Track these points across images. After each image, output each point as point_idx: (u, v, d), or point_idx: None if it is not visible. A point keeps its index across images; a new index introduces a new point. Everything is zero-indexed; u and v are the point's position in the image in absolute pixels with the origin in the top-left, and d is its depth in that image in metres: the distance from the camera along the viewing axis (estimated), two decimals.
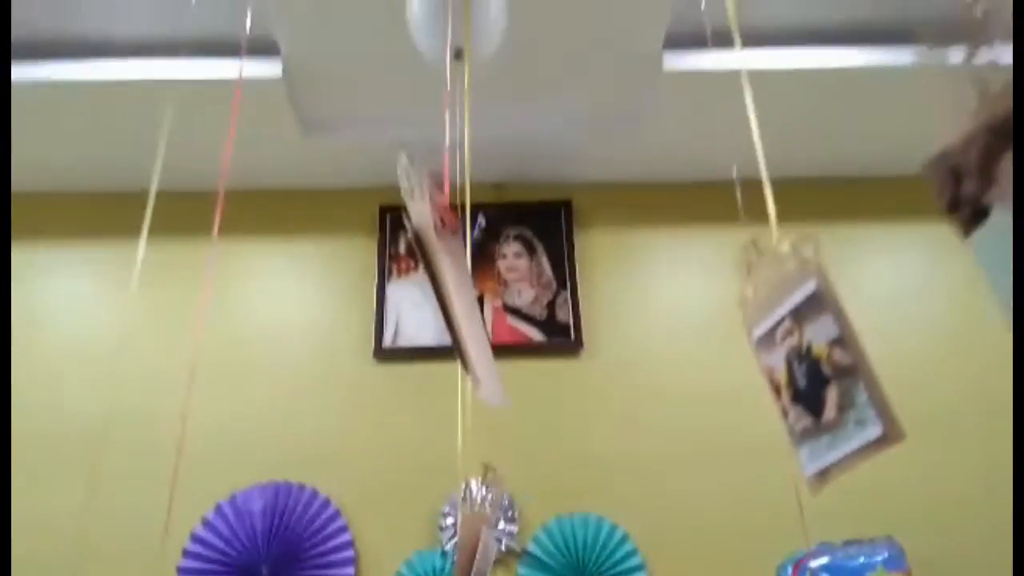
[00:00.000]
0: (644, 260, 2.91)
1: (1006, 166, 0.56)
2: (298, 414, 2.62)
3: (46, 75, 2.38)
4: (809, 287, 0.85)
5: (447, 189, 1.36)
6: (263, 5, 2.20)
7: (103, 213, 2.94)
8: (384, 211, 2.92)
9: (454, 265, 1.03)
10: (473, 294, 1.09)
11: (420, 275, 2.80)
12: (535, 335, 2.70)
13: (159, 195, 2.38)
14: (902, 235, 2.97)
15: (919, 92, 2.49)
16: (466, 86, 1.92)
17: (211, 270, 2.90)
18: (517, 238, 2.87)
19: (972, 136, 0.59)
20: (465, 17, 1.86)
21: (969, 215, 0.61)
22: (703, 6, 2.23)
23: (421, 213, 1.04)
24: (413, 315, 2.72)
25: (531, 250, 2.85)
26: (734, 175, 2.82)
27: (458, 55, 1.95)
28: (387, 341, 2.68)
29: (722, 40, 2.39)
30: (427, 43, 1.96)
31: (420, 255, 1.06)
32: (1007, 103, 0.57)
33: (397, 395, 2.65)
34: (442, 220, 1.04)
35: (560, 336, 2.69)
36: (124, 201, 2.93)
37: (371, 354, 2.68)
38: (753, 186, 2.12)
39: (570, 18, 2.25)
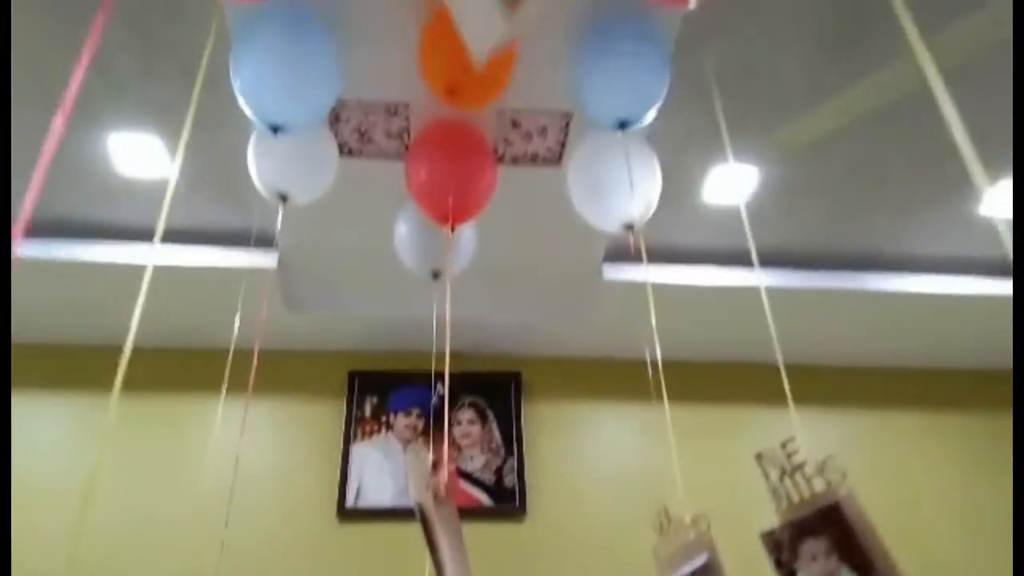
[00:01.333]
0: (585, 430, 3.27)
1: (805, 549, 0.94)
2: (261, 572, 2.79)
3: (62, 254, 2.67)
4: (701, 559, 1.18)
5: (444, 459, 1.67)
6: (267, 206, 2.57)
7: (75, 366, 3.14)
8: (352, 375, 3.21)
9: (447, 534, 1.31)
10: (466, 558, 1.37)
11: (383, 438, 3.08)
12: (484, 499, 2.99)
13: (132, 351, 2.64)
14: (817, 417, 3.42)
15: (794, 307, 3.00)
16: (447, 302, 2.29)
17: (218, 425, 3.10)
18: (471, 405, 3.20)
19: (785, 525, 0.98)
20: (447, 249, 2.26)
21: (785, 574, 0.99)
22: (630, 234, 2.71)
23: (421, 494, 1.34)
24: (375, 477, 2.99)
25: (483, 417, 3.18)
26: (647, 357, 3.25)
27: (436, 275, 2.33)
28: (350, 501, 2.92)
29: (650, 257, 2.88)
30: (413, 262, 2.34)
31: (422, 526, 1.36)
32: (805, 510, 0.95)
33: (360, 555, 2.86)
34: (435, 497, 1.34)
35: (506, 501, 2.99)
36: (100, 355, 3.15)
37: (334, 513, 2.91)
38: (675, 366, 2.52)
39: (526, 238, 2.69)
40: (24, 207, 1.08)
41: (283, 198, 2.04)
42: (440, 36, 1.77)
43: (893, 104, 2.01)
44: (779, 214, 2.70)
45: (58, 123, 1.16)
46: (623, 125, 1.84)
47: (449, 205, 2.11)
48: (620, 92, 1.82)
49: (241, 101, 1.83)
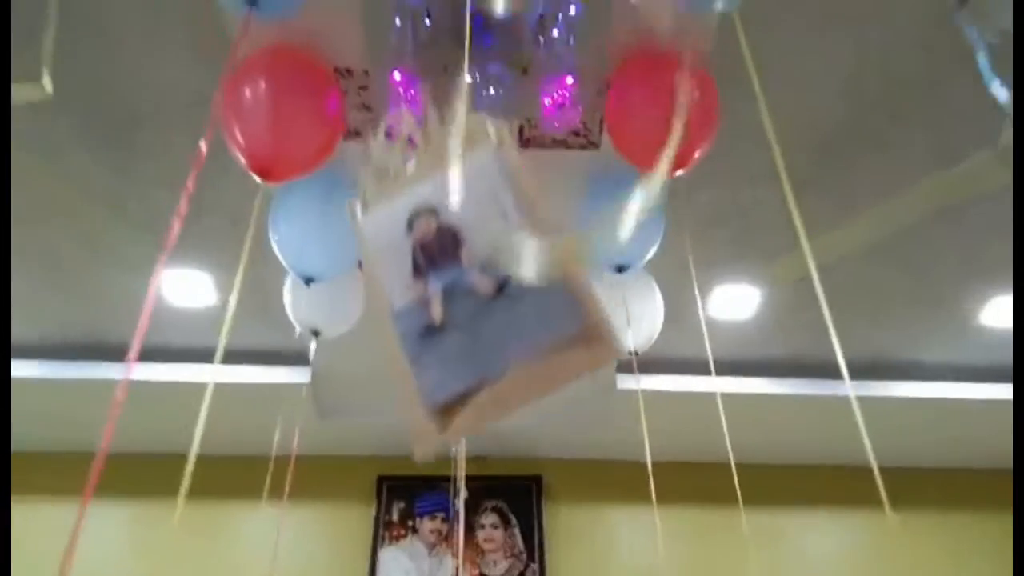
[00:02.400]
0: (607, 533, 3.34)
1: None
2: None
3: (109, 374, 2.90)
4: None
5: None
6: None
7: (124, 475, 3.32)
8: (381, 480, 3.35)
9: None
10: None
11: (409, 542, 3.19)
12: None
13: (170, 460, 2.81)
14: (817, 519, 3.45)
15: (805, 412, 3.08)
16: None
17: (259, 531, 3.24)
18: (494, 510, 3.30)
19: None
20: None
21: None
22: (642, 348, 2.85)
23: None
24: None
25: (506, 522, 3.27)
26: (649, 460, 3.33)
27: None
28: None
29: (661, 367, 3.02)
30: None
31: None
32: None
33: None
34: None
35: None
36: (140, 463, 3.34)
37: None
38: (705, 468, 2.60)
39: None
40: (135, 342, 1.25)
41: (315, 333, 2.24)
42: None
43: (885, 238, 2.15)
44: (782, 328, 2.83)
45: (161, 264, 1.38)
46: (621, 270, 2.02)
47: None
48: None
49: (278, 253, 2.05)
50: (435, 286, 0.91)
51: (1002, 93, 1.32)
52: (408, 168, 1.03)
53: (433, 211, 0.95)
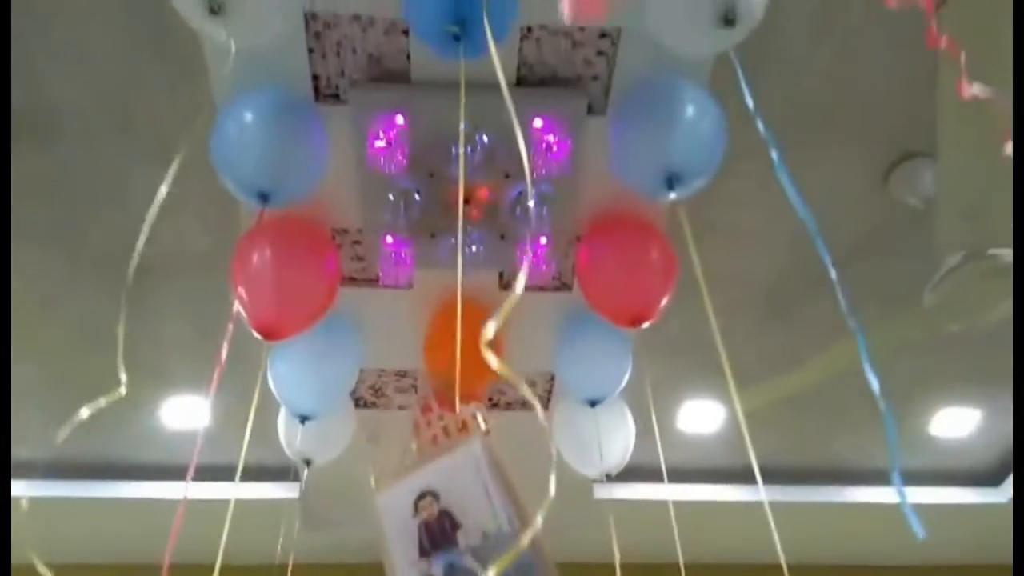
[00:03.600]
0: None
1: None
2: None
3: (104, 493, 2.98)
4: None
5: None
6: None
7: None
8: None
9: None
10: None
11: None
12: None
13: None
14: None
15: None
16: None
17: None
18: None
19: None
20: None
21: None
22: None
23: None
24: None
25: None
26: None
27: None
28: None
29: (637, 476, 3.17)
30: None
31: None
32: None
33: None
34: None
35: None
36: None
37: None
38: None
39: (521, 464, 2.98)
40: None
41: (307, 462, 2.37)
42: (442, 340, 2.15)
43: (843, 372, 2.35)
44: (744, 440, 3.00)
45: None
46: (594, 403, 2.19)
47: None
48: (590, 377, 2.19)
49: (275, 391, 2.20)
50: (438, 567, 1.06)
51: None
52: (413, 452, 1.20)
53: (435, 495, 1.11)
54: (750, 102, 1.25)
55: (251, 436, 3.05)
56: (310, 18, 1.62)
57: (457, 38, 1.34)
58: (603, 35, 1.72)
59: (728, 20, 1.30)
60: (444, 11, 1.32)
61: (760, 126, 1.36)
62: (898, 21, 1.98)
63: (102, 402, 1.24)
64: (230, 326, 1.66)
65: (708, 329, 2.57)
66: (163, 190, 1.32)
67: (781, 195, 2.14)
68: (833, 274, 1.36)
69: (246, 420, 2.91)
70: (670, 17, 1.41)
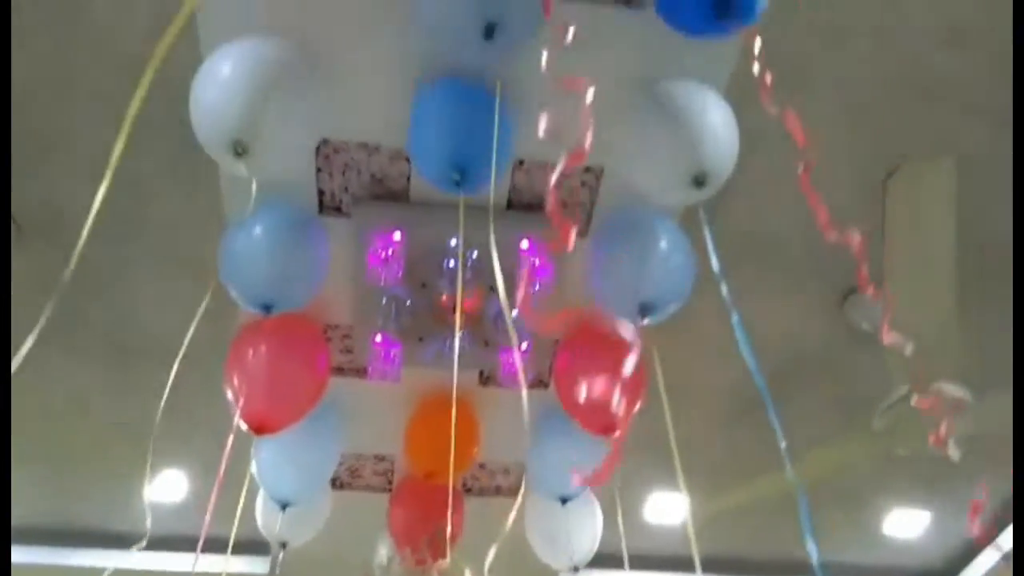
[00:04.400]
0: None
1: None
2: None
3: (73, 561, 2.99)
4: None
5: None
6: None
7: None
8: None
9: None
10: None
11: None
12: None
13: None
14: None
15: None
16: None
17: None
18: None
19: None
20: None
21: None
22: None
23: None
24: None
25: None
26: None
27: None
28: None
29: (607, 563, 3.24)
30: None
31: None
32: None
33: None
34: None
35: None
36: None
37: None
38: None
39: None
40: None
41: (283, 545, 2.42)
42: (425, 434, 2.25)
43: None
44: (707, 529, 3.11)
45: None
46: (564, 501, 2.29)
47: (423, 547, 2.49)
48: (563, 476, 2.28)
49: (257, 479, 2.26)
50: None
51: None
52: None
53: None
54: (715, 263, 1.40)
55: (223, 510, 3.10)
56: (321, 144, 1.76)
57: (458, 183, 1.49)
58: (587, 170, 1.88)
59: (699, 182, 1.47)
60: (446, 159, 1.47)
61: (715, 264, 1.50)
62: (858, 167, 2.18)
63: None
64: (235, 420, 1.75)
65: (676, 428, 2.72)
66: None
67: (745, 312, 2.31)
68: (768, 401, 1.50)
69: (226, 494, 2.97)
70: (646, 174, 1.57)
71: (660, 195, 1.61)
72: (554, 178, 1.14)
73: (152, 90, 1.78)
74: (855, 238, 1.13)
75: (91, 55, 1.67)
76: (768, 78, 1.17)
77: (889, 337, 1.19)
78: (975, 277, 2.00)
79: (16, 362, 1.13)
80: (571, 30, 1.12)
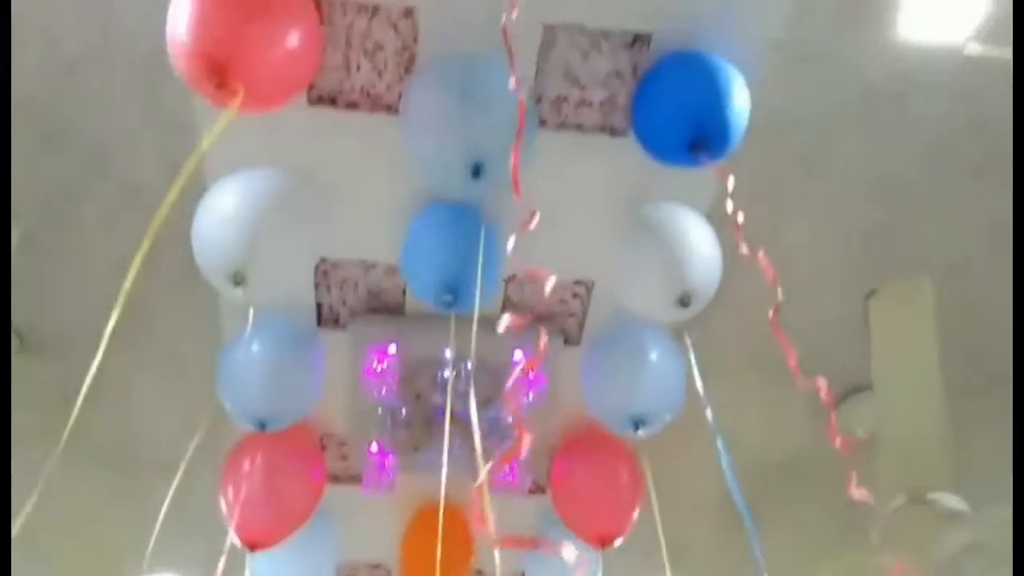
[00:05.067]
0: None
1: None
2: None
3: None
4: None
5: None
6: None
7: None
8: None
9: None
10: None
11: None
12: None
13: None
14: None
15: None
16: None
17: None
18: None
19: None
20: None
21: None
22: None
23: None
24: None
25: None
26: None
27: None
28: None
29: None
30: None
31: None
32: None
33: None
34: None
35: None
36: None
37: None
38: None
39: None
40: None
41: None
42: (420, 544, 2.22)
43: None
44: None
45: None
46: None
47: None
48: None
49: None
50: None
51: None
52: None
53: None
54: (699, 387, 1.42)
55: None
56: (320, 261, 1.82)
57: (450, 304, 1.53)
58: (578, 282, 1.93)
59: (683, 303, 1.51)
60: (439, 283, 1.52)
61: (699, 386, 1.52)
62: (844, 271, 2.22)
63: None
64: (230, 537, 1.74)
65: (670, 532, 2.68)
66: None
67: (740, 422, 2.31)
68: (748, 520, 1.49)
69: None
70: (632, 293, 1.62)
71: (646, 313, 1.65)
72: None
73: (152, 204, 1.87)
74: (822, 387, 1.16)
75: (100, 180, 1.75)
76: (740, 217, 1.22)
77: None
78: (969, 389, 2.01)
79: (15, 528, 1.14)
80: (536, 216, 1.16)
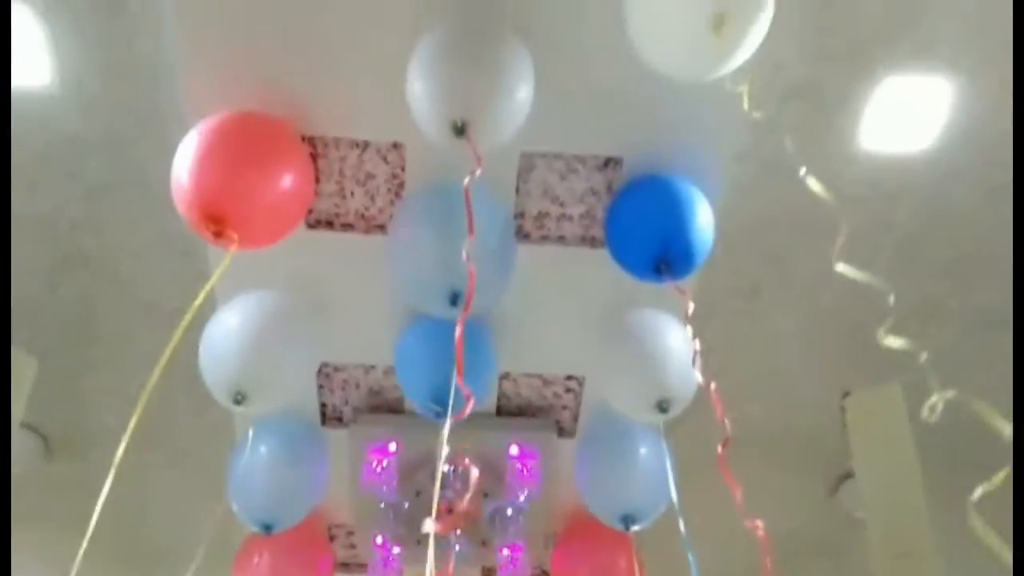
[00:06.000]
0: None
1: None
2: None
3: None
4: None
5: None
6: None
7: None
8: None
9: None
10: None
11: None
12: None
13: None
14: None
15: None
16: None
17: None
18: None
19: None
20: None
21: None
22: None
23: None
24: None
25: None
26: None
27: None
28: None
29: None
30: None
31: None
32: None
33: None
34: None
35: None
36: None
37: None
38: None
39: None
40: None
41: None
42: None
43: None
44: None
45: None
46: None
47: None
48: None
49: None
50: None
51: None
52: None
53: None
54: (674, 496, 1.47)
55: None
56: (322, 365, 1.92)
57: (439, 414, 1.61)
58: (570, 377, 2.01)
59: (662, 408, 1.57)
60: (427, 394, 1.61)
61: (674, 497, 1.56)
62: (831, 359, 2.24)
63: None
64: None
65: None
66: None
67: (735, 506, 2.33)
68: None
69: None
70: (615, 395, 1.69)
71: (629, 415, 1.72)
72: None
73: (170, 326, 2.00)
74: (760, 530, 1.20)
75: (115, 298, 1.89)
76: (697, 344, 1.29)
77: None
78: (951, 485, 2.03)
79: None
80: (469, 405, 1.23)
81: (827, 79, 1.58)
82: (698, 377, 1.26)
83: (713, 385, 1.17)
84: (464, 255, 1.15)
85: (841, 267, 1.12)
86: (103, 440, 2.17)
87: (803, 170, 1.14)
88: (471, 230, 1.16)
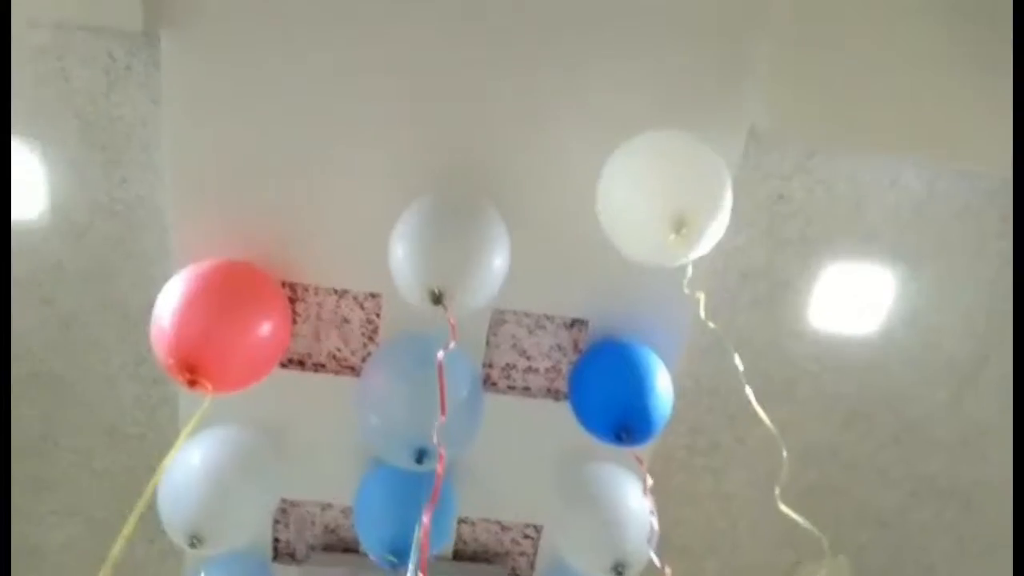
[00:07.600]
0: None
1: None
2: None
3: None
4: None
5: None
6: None
7: None
8: None
9: None
10: None
11: None
12: None
13: None
14: None
15: None
16: None
17: None
18: None
19: None
20: None
21: None
22: None
23: None
24: None
25: None
26: None
27: None
28: None
29: None
30: None
31: None
32: None
33: None
34: None
35: None
36: None
37: None
38: None
39: None
40: None
41: None
42: None
43: None
44: None
45: None
46: None
47: None
48: None
49: None
50: None
51: None
52: None
53: None
54: None
55: None
56: (280, 501, 1.90)
57: (394, 564, 1.60)
58: (528, 524, 2.01)
59: (618, 571, 1.58)
60: (383, 545, 1.60)
61: None
62: (785, 519, 2.26)
63: None
64: None
65: None
66: None
67: None
68: None
69: None
70: (571, 551, 1.70)
71: (585, 572, 1.72)
72: None
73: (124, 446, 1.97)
74: None
75: (77, 421, 1.88)
76: (656, 522, 1.32)
77: None
78: None
79: None
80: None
81: (780, 263, 1.70)
82: (655, 560, 1.28)
83: (669, 570, 1.19)
84: (435, 436, 1.18)
85: (784, 508, 1.17)
86: (50, 559, 2.08)
87: (748, 390, 1.22)
88: (443, 410, 1.20)
